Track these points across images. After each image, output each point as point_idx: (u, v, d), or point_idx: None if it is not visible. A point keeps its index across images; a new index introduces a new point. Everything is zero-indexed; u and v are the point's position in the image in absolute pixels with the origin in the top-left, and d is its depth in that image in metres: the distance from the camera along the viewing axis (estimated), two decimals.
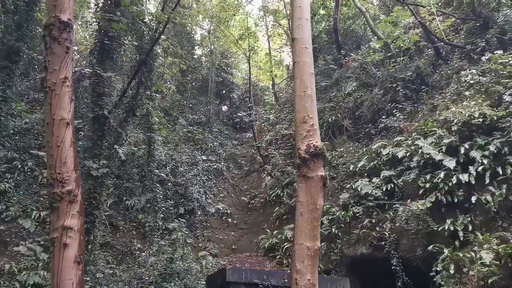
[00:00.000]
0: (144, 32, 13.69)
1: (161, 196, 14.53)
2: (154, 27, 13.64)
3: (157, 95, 16.54)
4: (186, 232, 14.43)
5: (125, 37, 13.27)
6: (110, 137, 12.64)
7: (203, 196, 17.15)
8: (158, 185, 14.40)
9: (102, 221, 12.39)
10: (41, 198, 12.50)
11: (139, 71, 13.25)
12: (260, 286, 8.72)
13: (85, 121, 14.39)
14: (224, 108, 27.21)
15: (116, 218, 13.86)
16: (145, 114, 14.25)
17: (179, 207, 15.56)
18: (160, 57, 13.70)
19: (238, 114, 23.46)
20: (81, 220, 4.16)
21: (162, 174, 15.17)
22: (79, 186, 4.17)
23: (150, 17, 14.46)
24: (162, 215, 13.80)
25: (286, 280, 9.10)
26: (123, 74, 14.59)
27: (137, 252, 12.32)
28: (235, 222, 17.27)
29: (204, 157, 19.72)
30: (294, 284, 4.81)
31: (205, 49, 28.50)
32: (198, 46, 28.31)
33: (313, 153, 5.08)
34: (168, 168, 16.30)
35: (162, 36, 13.79)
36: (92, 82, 12.14)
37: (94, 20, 12.93)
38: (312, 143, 5.13)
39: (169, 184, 15.87)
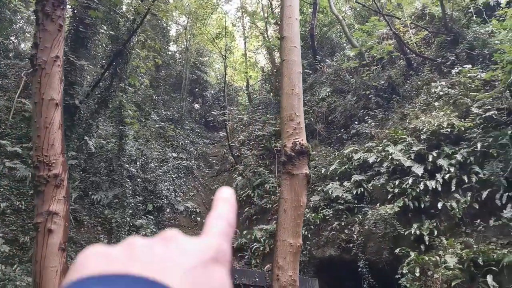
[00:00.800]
0: (120, 23, 13.34)
1: (130, 192, 14.14)
2: (132, 18, 13.31)
3: (130, 88, 16.14)
4: (154, 230, 14.11)
5: (101, 26, 12.86)
6: (80, 128, 12.19)
7: (173, 193, 16.86)
8: (128, 180, 14.01)
9: None
10: (1, 189, 11.84)
11: (114, 62, 12.88)
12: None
13: None
14: (197, 106, 26.94)
15: (80, 213, 13.33)
16: (118, 106, 13.85)
17: (148, 204, 15.20)
18: (137, 49, 13.36)
19: (212, 112, 23.28)
20: (67, 206, 3.96)
21: (132, 169, 14.78)
22: (66, 171, 3.98)
23: (127, 8, 14.11)
24: (130, 211, 13.43)
25: (257, 279, 9.11)
26: (96, 64, 14.13)
27: None
28: (203, 221, 17.04)
29: (174, 155, 19.40)
30: (276, 280, 4.82)
31: (180, 46, 28.14)
32: (173, 42, 27.89)
33: (299, 150, 5.13)
34: (138, 163, 15.90)
35: (138, 30, 13.48)
36: (64, 70, 11.65)
37: (69, 6, 12.46)
38: (298, 141, 5.18)
39: (139, 180, 15.48)
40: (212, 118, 23.70)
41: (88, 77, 14.66)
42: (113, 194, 13.44)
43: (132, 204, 13.78)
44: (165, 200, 15.98)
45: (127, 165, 14.13)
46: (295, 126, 5.32)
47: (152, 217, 14.58)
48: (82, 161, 13.30)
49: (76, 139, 11.82)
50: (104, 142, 14.99)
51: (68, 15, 11.94)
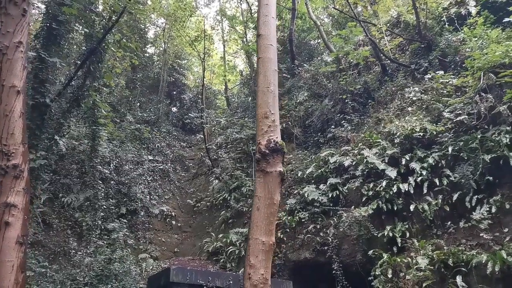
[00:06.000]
0: (96, 21, 13.03)
1: (102, 194, 13.77)
2: (108, 16, 13.04)
3: (104, 88, 15.78)
4: (127, 233, 13.77)
5: (75, 24, 12.54)
6: (50, 127, 11.79)
7: (147, 196, 16.54)
8: (100, 182, 13.64)
9: (35, 218, 11.46)
10: None
11: (88, 60, 12.56)
12: (204, 287, 8.52)
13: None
14: (174, 109, 26.63)
15: (50, 215, 12.88)
16: (91, 106, 13.48)
17: (121, 207, 14.84)
18: (112, 48, 13.07)
19: (189, 115, 23.05)
20: (27, 199, 3.76)
21: (105, 171, 14.40)
22: (27, 162, 3.78)
23: (104, 6, 13.82)
24: (102, 214, 13.05)
25: (231, 282, 9.00)
26: (70, 63, 13.75)
27: (72, 251, 11.51)
28: (179, 225, 16.83)
29: (150, 157, 19.07)
30: (247, 279, 4.74)
31: (158, 48, 27.82)
32: (150, 44, 27.55)
33: (273, 148, 5.10)
34: (111, 165, 15.52)
35: (114, 29, 13.22)
36: (35, 67, 11.27)
37: (42, 2, 12.10)
38: (272, 139, 5.15)
39: (112, 182, 15.11)
40: (189, 121, 23.51)
41: (61, 76, 14.23)
42: (84, 196, 13.05)
43: (104, 207, 13.41)
44: (139, 203, 15.66)
45: (100, 167, 13.77)
46: (269, 124, 5.29)
47: (125, 220, 14.23)
48: (52, 162, 12.85)
49: (46, 139, 11.41)
50: (76, 143, 14.57)
51: (41, 12, 11.56)
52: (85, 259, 10.91)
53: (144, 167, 17.88)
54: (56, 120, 11.90)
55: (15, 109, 3.70)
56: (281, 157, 5.12)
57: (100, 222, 13.25)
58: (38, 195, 10.93)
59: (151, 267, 13.14)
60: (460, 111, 10.10)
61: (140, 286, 10.97)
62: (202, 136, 21.04)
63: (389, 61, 15.00)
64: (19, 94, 3.75)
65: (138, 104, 22.91)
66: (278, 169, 5.06)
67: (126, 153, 17.14)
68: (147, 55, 26.14)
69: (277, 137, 5.17)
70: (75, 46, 15.29)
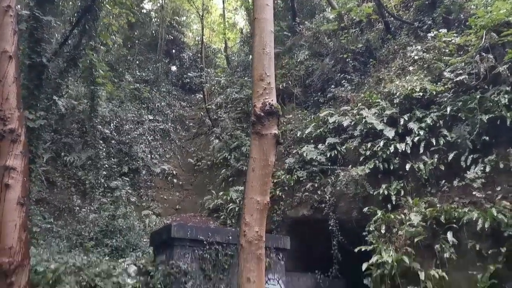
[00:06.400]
0: None
1: (103, 154, 13.97)
2: None
3: (102, 47, 15.52)
4: (130, 191, 14.13)
5: None
6: (48, 87, 11.76)
7: (148, 156, 16.77)
8: (101, 142, 13.80)
9: (38, 176, 11.72)
10: None
11: (83, 18, 12.29)
12: (205, 242, 8.88)
13: (21, 68, 13.19)
14: (173, 68, 26.26)
15: (53, 174, 13.17)
16: (88, 66, 13.35)
17: (123, 166, 15.11)
18: (107, 5, 12.73)
19: (188, 74, 22.80)
20: (25, 161, 3.88)
21: (106, 131, 14.52)
22: (23, 126, 3.86)
23: None
24: (104, 173, 13.33)
25: (231, 237, 9.35)
26: (65, 21, 13.44)
27: (76, 208, 11.89)
28: (180, 183, 17.20)
29: (150, 117, 19.12)
30: (243, 236, 4.96)
31: (156, 4, 26.95)
32: (147, 0, 26.67)
33: (268, 111, 5.14)
34: (112, 125, 15.62)
35: None
36: (29, 26, 11.05)
37: None
38: (267, 101, 5.17)
39: (113, 141, 15.28)
40: (189, 80, 23.29)
41: (57, 35, 13.97)
42: (86, 155, 13.26)
43: (106, 165, 13.67)
44: (141, 162, 15.91)
45: (100, 127, 13.88)
46: (265, 86, 5.29)
47: (127, 178, 14.55)
48: (52, 122, 12.95)
49: (45, 99, 11.42)
50: (75, 103, 14.57)
51: None
52: (89, 216, 11.29)
53: (145, 126, 17.98)
54: (54, 80, 11.84)
55: (8, 75, 3.70)
56: (276, 119, 5.17)
57: (103, 181, 13.56)
58: (40, 154, 11.12)
59: (154, 223, 13.60)
60: (460, 71, 9.98)
61: (144, 241, 11.42)
62: (202, 96, 20.94)
63: (392, 18, 14.59)
64: (11, 59, 3.74)
65: (137, 63, 22.60)
66: (273, 132, 5.13)
67: (126, 113, 17.18)
68: (144, 11, 25.40)
69: (272, 100, 5.19)
70: (70, 3, 14.87)
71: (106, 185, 13.23)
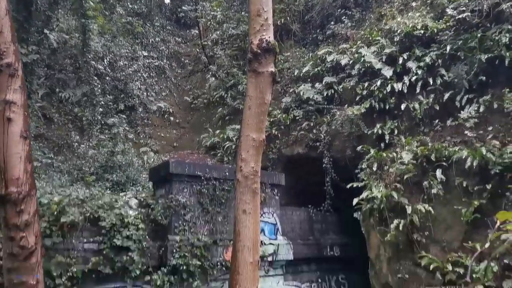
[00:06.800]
0: None
1: (99, 90, 13.85)
2: None
3: None
4: (127, 128, 14.24)
5: None
6: (38, 20, 11.33)
7: (144, 93, 16.64)
8: (96, 78, 13.61)
9: (35, 112, 11.73)
10: None
11: None
12: (202, 178, 9.18)
13: None
14: (167, 0, 25.03)
15: (49, 110, 13.15)
16: None
17: (119, 103, 15.06)
18: None
19: (182, 8, 21.82)
20: (24, 96, 3.91)
21: (100, 67, 14.25)
22: (19, 61, 3.82)
23: None
24: (101, 110, 13.32)
25: (227, 174, 9.64)
26: None
27: (75, 144, 12.06)
28: (177, 121, 17.28)
29: (145, 53, 18.64)
30: (239, 171, 5.15)
31: None
32: None
33: (265, 48, 5.06)
34: (105, 61, 15.28)
35: None
36: None
37: None
38: (264, 38, 5.08)
39: (107, 78, 15.05)
40: (183, 15, 22.36)
41: None
42: (81, 92, 13.15)
43: (102, 102, 13.61)
44: (136, 99, 15.84)
45: (93, 62, 13.59)
46: (262, 23, 5.16)
47: (124, 116, 14.57)
48: (45, 57, 12.65)
49: (36, 32, 11.05)
50: (67, 37, 14.11)
51: None
52: (88, 151, 11.49)
53: (139, 63, 17.61)
54: (44, 12, 11.38)
55: (0, 7, 3.58)
56: (273, 57, 5.11)
57: (99, 117, 13.60)
58: (35, 90, 11.03)
59: (152, 159, 13.89)
60: (463, 8, 9.66)
61: (143, 176, 11.75)
62: (197, 32, 20.24)
63: None
64: None
65: None
66: (270, 70, 5.10)
67: (120, 48, 16.72)
68: None
69: (269, 37, 5.09)
70: None
71: (103, 122, 13.29)
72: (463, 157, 7.86)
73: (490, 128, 8.33)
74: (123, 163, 11.32)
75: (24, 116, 3.92)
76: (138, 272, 7.73)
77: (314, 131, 12.27)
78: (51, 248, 6.85)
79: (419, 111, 9.61)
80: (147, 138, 15.54)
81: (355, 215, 10.42)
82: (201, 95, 18.09)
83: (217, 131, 15.09)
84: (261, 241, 9.58)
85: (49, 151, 11.27)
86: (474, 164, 7.66)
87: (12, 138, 3.82)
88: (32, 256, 4.00)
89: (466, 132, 8.52)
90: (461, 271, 7.19)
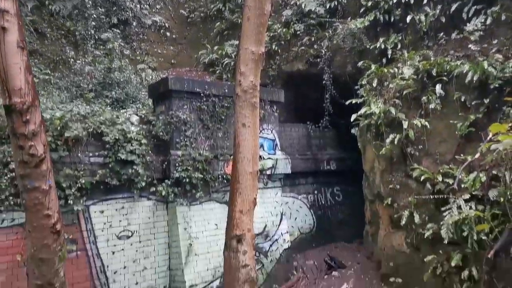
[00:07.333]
0: None
1: (89, 2, 13.15)
2: None
3: None
4: (122, 44, 13.81)
5: None
6: None
7: (138, 6, 15.80)
8: None
9: (26, 27, 11.28)
10: None
11: None
12: (202, 95, 9.18)
13: None
14: None
15: (40, 24, 12.61)
16: None
17: (112, 16, 14.37)
18: None
19: None
20: (16, 5, 3.77)
21: None
22: None
23: None
24: (93, 23, 12.78)
25: (226, 90, 9.63)
26: None
27: (71, 60, 11.81)
28: (174, 36, 16.69)
29: None
30: (238, 85, 5.14)
31: None
32: None
33: None
34: None
35: None
36: None
37: None
38: None
39: None
40: None
41: None
42: (71, 4, 12.49)
43: (94, 16, 13.01)
44: (130, 12, 15.10)
45: None
46: None
47: (118, 30, 14.02)
48: None
49: None
50: None
51: None
52: (85, 68, 11.30)
53: None
54: None
55: None
56: None
57: (93, 32, 13.12)
58: (24, 1, 10.46)
59: (150, 77, 13.72)
60: None
61: (143, 94, 11.73)
62: None
63: None
64: None
65: None
66: None
67: None
68: None
69: None
70: None
71: (97, 37, 12.85)
72: (464, 72, 7.77)
73: (495, 42, 8.10)
74: (121, 80, 11.21)
75: (19, 25, 3.81)
76: (143, 184, 8.14)
77: (315, 46, 11.97)
78: (58, 162, 7.11)
79: (424, 23, 9.26)
80: (143, 54, 15.16)
81: (352, 131, 10.60)
82: (197, 8, 17.23)
83: (215, 47, 14.68)
84: (261, 156, 9.93)
85: (45, 67, 11.08)
86: (475, 78, 7.59)
87: (9, 48, 3.75)
88: (42, 164, 4.19)
89: (470, 45, 8.30)
90: (451, 181, 7.53)
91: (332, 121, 12.30)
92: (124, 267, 8.07)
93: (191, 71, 15.17)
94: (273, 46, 12.81)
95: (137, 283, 8.19)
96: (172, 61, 16.17)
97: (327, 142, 12.92)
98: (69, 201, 7.19)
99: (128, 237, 8.20)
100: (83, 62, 11.48)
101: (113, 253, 7.96)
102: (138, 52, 15.01)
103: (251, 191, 5.35)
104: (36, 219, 4.27)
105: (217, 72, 14.14)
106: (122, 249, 8.09)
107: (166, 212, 8.83)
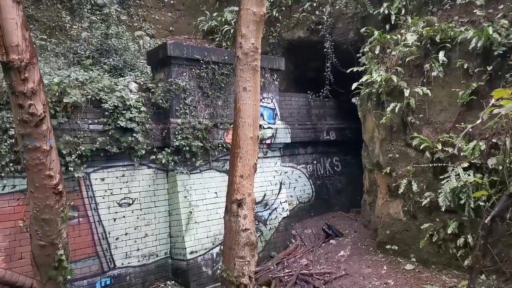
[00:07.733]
0: None
1: None
2: None
3: None
4: (119, 9, 13.46)
5: None
6: None
7: None
8: None
9: None
10: None
11: None
12: (201, 62, 9.03)
13: None
14: None
15: None
16: None
17: None
18: None
19: None
20: None
21: None
22: None
23: None
24: None
25: (226, 57, 9.47)
26: None
27: (67, 25, 11.53)
28: (172, 2, 16.25)
29: None
30: (239, 48, 5.04)
31: None
32: None
33: None
34: None
35: None
36: None
37: None
38: None
39: None
40: None
41: None
42: None
43: None
44: None
45: None
46: None
47: None
48: None
49: None
50: None
51: None
52: (82, 34, 11.04)
53: None
54: None
55: None
56: None
57: None
58: None
59: (148, 44, 13.46)
60: None
61: (141, 62, 11.54)
62: None
63: None
64: None
65: None
66: None
67: None
68: None
69: None
70: None
71: (93, 2, 12.49)
72: (468, 38, 7.63)
73: (501, 7, 7.90)
74: (119, 47, 10.98)
75: None
76: (143, 152, 8.13)
77: (317, 12, 11.68)
78: (58, 129, 7.07)
79: None
80: (141, 21, 14.82)
81: (353, 100, 10.53)
82: None
83: (215, 14, 14.34)
84: (260, 125, 9.89)
85: (41, 33, 10.83)
86: (479, 45, 7.48)
87: (5, 2, 3.63)
88: (43, 123, 4.15)
89: (475, 11, 8.11)
90: (450, 150, 7.55)
91: (332, 90, 12.19)
92: (126, 234, 8.19)
93: (190, 39, 14.89)
94: (274, 12, 12.52)
95: (138, 249, 8.34)
96: (171, 28, 15.84)
97: (327, 112, 12.86)
98: (69, 168, 7.21)
99: (129, 204, 8.28)
100: (80, 28, 11.22)
101: (115, 220, 8.06)
102: (135, 18, 14.67)
103: (252, 156, 5.35)
104: (38, 179, 4.28)
105: (217, 39, 13.86)
106: (123, 216, 8.19)
107: (166, 180, 8.88)
